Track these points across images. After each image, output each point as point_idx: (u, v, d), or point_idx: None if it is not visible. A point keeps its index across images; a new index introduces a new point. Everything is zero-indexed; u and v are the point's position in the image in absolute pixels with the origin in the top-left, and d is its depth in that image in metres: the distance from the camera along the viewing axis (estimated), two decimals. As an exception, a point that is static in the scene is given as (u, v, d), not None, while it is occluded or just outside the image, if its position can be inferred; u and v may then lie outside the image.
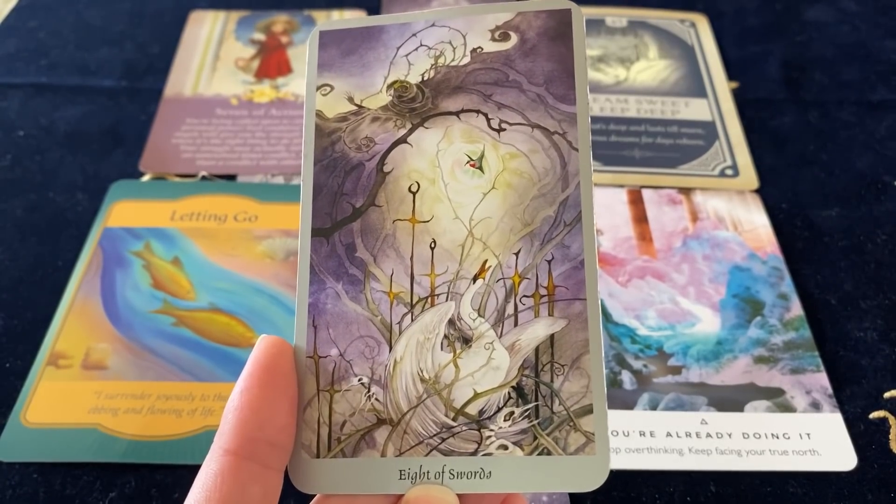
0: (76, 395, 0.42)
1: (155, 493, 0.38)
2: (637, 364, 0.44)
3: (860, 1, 0.70)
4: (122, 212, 0.51)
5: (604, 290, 0.48)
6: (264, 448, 0.23)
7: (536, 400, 0.24)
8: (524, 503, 0.26)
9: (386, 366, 0.25)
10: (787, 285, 0.48)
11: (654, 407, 0.42)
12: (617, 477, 0.39)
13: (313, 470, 0.24)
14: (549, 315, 0.25)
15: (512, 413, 0.24)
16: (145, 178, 0.54)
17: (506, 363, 0.25)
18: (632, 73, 0.63)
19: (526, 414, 0.24)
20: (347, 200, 0.26)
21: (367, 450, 0.24)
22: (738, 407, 0.42)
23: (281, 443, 0.24)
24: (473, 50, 0.27)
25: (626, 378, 0.43)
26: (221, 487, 0.22)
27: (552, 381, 0.24)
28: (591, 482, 0.24)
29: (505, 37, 0.27)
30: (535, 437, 0.24)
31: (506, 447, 0.24)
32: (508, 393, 0.25)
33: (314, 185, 0.27)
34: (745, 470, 0.40)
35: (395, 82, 0.27)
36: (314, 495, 0.25)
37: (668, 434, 0.41)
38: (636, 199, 0.53)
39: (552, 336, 0.25)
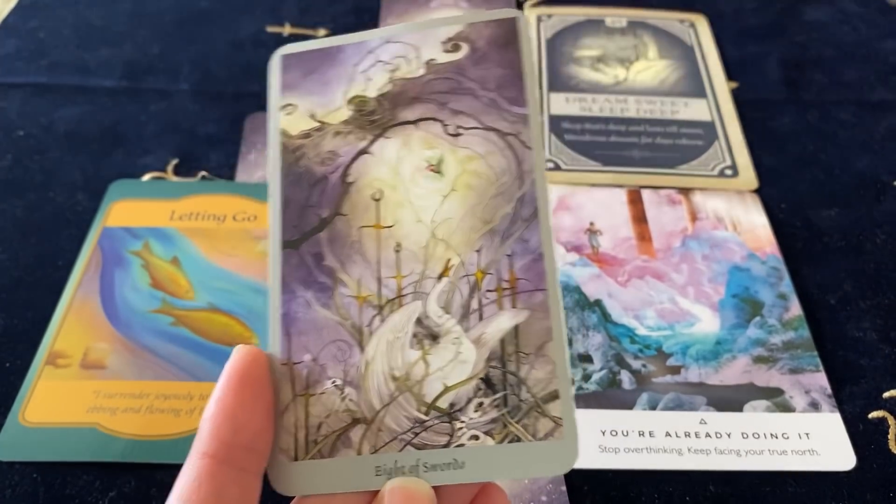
0: (75, 394, 0.42)
1: (155, 493, 0.38)
2: (636, 364, 0.44)
3: (860, 1, 0.70)
4: (121, 211, 0.51)
5: (603, 290, 0.48)
6: (241, 452, 0.24)
7: (504, 389, 0.25)
8: (502, 494, 0.26)
9: (358, 367, 0.26)
10: (787, 285, 0.48)
11: (653, 407, 0.42)
12: (616, 477, 0.39)
13: (292, 473, 0.25)
14: (513, 307, 0.26)
15: (482, 404, 0.25)
16: (145, 177, 0.54)
17: (473, 356, 0.26)
18: (631, 73, 0.63)
19: (495, 403, 0.25)
20: (314, 212, 0.28)
21: (343, 449, 0.25)
22: (738, 407, 0.42)
23: (257, 447, 0.24)
24: (427, 62, 0.28)
25: (626, 378, 0.43)
26: (199, 490, 0.22)
27: (518, 370, 0.25)
28: (562, 466, 0.24)
29: (456, 47, 0.29)
30: (505, 426, 0.25)
31: (477, 437, 0.25)
32: (477, 385, 0.25)
33: (282, 201, 0.28)
34: (744, 470, 0.40)
35: (354, 97, 0.29)
36: (294, 497, 0.25)
37: (667, 434, 0.41)
38: (635, 199, 0.53)
39: (516, 327, 0.26)
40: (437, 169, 0.27)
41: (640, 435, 0.41)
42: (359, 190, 0.28)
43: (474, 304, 0.26)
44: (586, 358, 0.44)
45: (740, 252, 0.50)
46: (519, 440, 0.25)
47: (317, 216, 0.27)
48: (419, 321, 0.26)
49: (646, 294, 0.48)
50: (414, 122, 0.28)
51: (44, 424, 0.40)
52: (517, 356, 0.25)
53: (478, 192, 0.27)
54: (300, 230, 0.27)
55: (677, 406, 0.42)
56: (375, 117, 0.28)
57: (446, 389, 0.25)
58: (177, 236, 0.50)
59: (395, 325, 0.26)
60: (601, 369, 0.43)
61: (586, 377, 0.43)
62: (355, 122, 0.28)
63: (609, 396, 0.42)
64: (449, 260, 0.26)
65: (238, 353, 0.25)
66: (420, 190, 0.27)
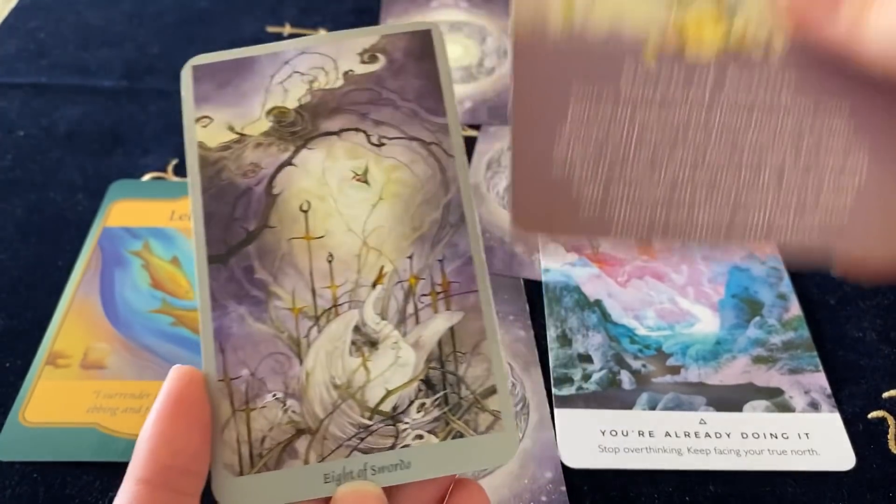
0: (75, 394, 0.42)
1: (154, 493, 0.38)
2: (636, 364, 0.44)
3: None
4: (121, 211, 0.51)
5: (603, 290, 0.48)
6: (178, 476, 0.24)
7: (445, 388, 0.26)
8: (478, 489, 0.27)
9: (298, 378, 0.26)
10: (786, 285, 0.48)
11: (652, 407, 0.42)
12: (616, 477, 0.39)
13: (238, 488, 0.25)
14: (447, 309, 0.27)
15: (423, 404, 0.26)
16: (145, 177, 0.54)
17: (412, 359, 0.26)
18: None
19: (436, 403, 0.26)
20: (240, 225, 0.27)
21: (289, 460, 0.26)
22: (737, 407, 0.42)
23: (195, 470, 0.24)
24: (345, 73, 0.29)
25: (625, 378, 0.43)
26: None
27: (457, 369, 0.26)
28: (504, 457, 0.26)
29: (373, 59, 0.29)
30: (448, 423, 0.26)
31: (421, 436, 0.26)
32: (418, 386, 0.26)
33: (205, 214, 0.28)
34: (743, 470, 0.40)
35: (273, 108, 0.28)
36: None
37: (667, 434, 0.41)
38: (635, 200, 0.53)
39: (452, 328, 0.27)
40: (363, 179, 0.28)
41: (639, 435, 0.41)
42: (286, 201, 0.28)
43: (410, 309, 0.27)
44: (586, 358, 0.44)
45: (740, 252, 0.50)
46: (462, 436, 0.26)
47: (243, 229, 0.27)
48: (357, 329, 0.27)
49: (645, 294, 0.48)
50: (337, 133, 0.28)
51: (44, 424, 0.40)
52: (455, 356, 0.26)
53: (405, 200, 0.28)
54: (227, 244, 0.27)
55: (677, 406, 0.42)
56: (296, 128, 0.28)
57: (388, 393, 0.26)
58: (177, 236, 0.50)
59: (332, 334, 0.27)
60: (601, 369, 0.44)
61: (586, 377, 0.43)
62: (276, 134, 0.28)
63: (609, 396, 0.42)
64: (382, 267, 0.27)
65: (174, 374, 0.25)
66: (348, 200, 0.28)
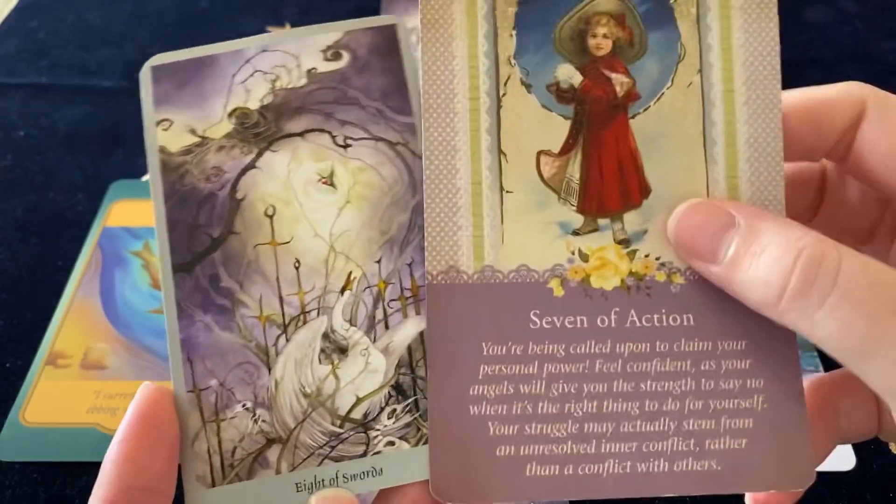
0: (75, 394, 0.42)
1: (154, 493, 0.38)
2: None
3: (860, 1, 0.70)
4: (121, 211, 0.51)
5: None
6: (143, 495, 0.24)
7: (415, 394, 0.26)
8: None
9: (268, 388, 0.26)
10: (787, 285, 0.48)
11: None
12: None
13: (211, 499, 0.25)
14: (417, 314, 0.26)
15: (395, 410, 0.26)
16: (145, 177, 0.54)
17: (382, 365, 0.26)
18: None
19: (407, 409, 0.26)
20: (204, 232, 0.27)
21: (261, 470, 0.25)
22: (737, 407, 0.42)
23: (160, 489, 0.24)
24: (309, 71, 0.28)
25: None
26: None
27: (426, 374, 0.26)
28: None
29: (337, 56, 0.28)
30: (419, 429, 0.25)
31: (393, 443, 0.25)
32: (389, 392, 0.26)
33: (168, 222, 0.27)
34: (743, 470, 0.39)
35: (235, 109, 0.27)
36: None
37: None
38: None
39: (422, 333, 0.26)
40: (329, 181, 0.27)
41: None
42: (250, 206, 0.27)
43: (379, 315, 0.26)
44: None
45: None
46: None
47: (208, 236, 0.27)
48: (326, 336, 0.26)
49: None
50: (301, 134, 0.27)
51: (44, 424, 0.40)
52: (425, 361, 0.26)
53: (372, 203, 0.27)
54: (191, 251, 0.27)
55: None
56: (259, 130, 0.27)
57: (359, 400, 0.26)
58: (177, 236, 0.50)
59: (301, 342, 0.26)
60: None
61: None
62: (239, 136, 0.27)
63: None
64: (350, 273, 0.26)
65: (141, 393, 0.25)
66: (314, 204, 0.27)
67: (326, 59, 0.28)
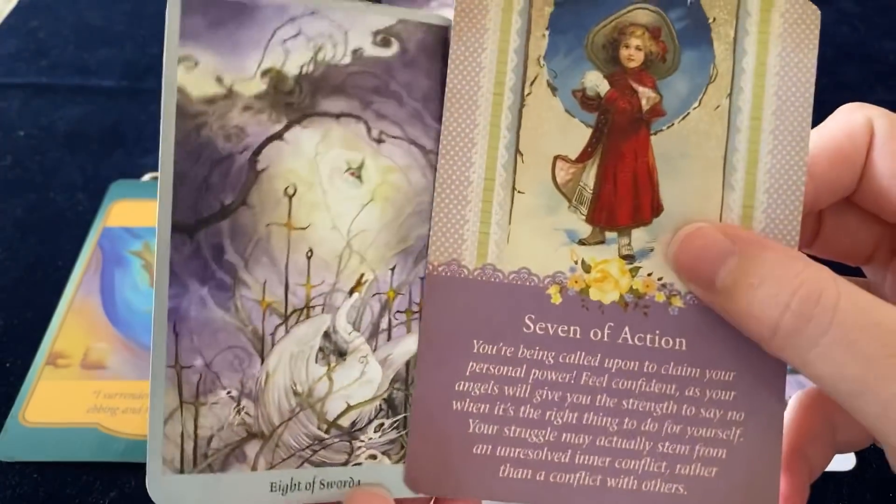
0: (75, 394, 0.42)
1: (154, 493, 0.38)
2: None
3: (859, 1, 0.70)
4: (121, 211, 0.51)
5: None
6: None
7: (406, 411, 0.25)
8: None
9: (257, 379, 0.24)
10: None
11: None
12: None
13: (177, 486, 0.24)
14: None
15: (382, 424, 0.25)
16: (145, 177, 0.54)
17: (378, 377, 0.25)
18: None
19: (395, 425, 0.25)
20: (215, 195, 0.24)
21: (236, 464, 0.24)
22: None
23: None
24: (355, 51, 0.26)
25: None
26: None
27: None
28: None
29: (386, 42, 0.26)
30: (403, 447, 0.25)
31: (375, 457, 0.25)
32: (380, 405, 0.25)
33: (175, 174, 0.24)
34: (743, 470, 0.40)
35: (270, 70, 0.25)
36: None
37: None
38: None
39: None
40: (357, 174, 0.25)
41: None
42: (269, 180, 0.25)
43: (384, 324, 0.25)
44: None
45: None
46: None
47: (218, 201, 0.24)
48: (327, 335, 0.25)
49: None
50: (336, 117, 0.25)
51: (44, 424, 0.40)
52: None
53: (396, 207, 0.26)
54: (196, 213, 0.24)
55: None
56: (293, 100, 0.25)
57: (349, 408, 0.25)
58: (177, 236, 0.50)
59: (300, 336, 0.25)
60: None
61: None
62: (269, 100, 0.25)
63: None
64: (363, 275, 0.25)
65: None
66: (338, 194, 0.25)
67: (375, 44, 0.26)
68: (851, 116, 0.26)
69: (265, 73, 0.25)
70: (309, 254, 0.25)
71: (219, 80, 0.24)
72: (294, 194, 0.25)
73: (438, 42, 0.26)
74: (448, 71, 0.25)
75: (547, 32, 0.26)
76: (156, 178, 0.53)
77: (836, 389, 0.22)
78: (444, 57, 0.26)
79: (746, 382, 0.25)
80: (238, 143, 0.25)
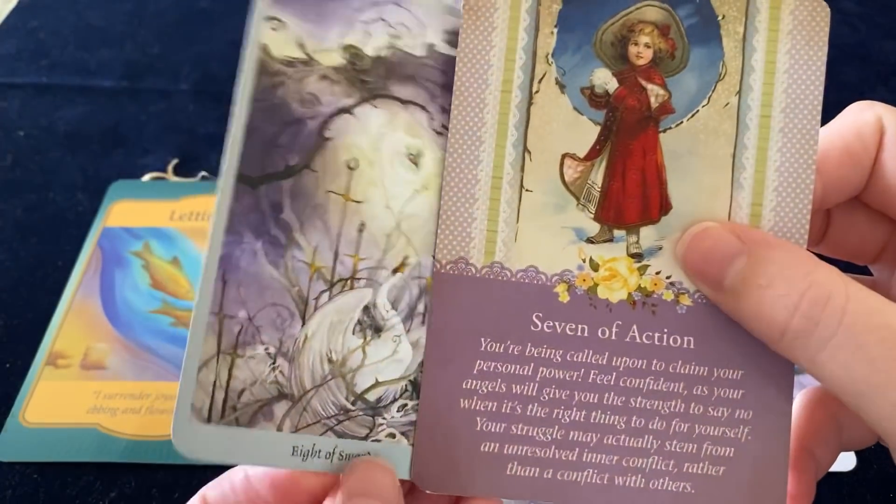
0: (75, 394, 0.42)
1: (155, 493, 0.38)
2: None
3: (860, 1, 0.70)
4: (121, 212, 0.51)
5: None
6: None
7: None
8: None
9: (296, 340, 0.25)
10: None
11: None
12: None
13: (202, 436, 0.24)
14: None
15: (405, 405, 0.25)
16: (145, 177, 0.54)
17: (408, 358, 0.25)
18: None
19: (416, 408, 0.25)
20: (281, 155, 0.25)
21: (263, 421, 0.24)
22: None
23: None
24: (429, 45, 0.27)
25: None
26: None
27: None
28: None
29: (455, 44, 0.27)
30: None
31: (394, 436, 0.25)
32: (405, 385, 0.25)
33: (246, 126, 0.25)
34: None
35: (350, 46, 0.26)
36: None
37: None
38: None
39: None
40: (415, 160, 0.26)
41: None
42: (335, 149, 0.26)
43: (420, 308, 0.26)
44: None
45: None
46: None
47: (283, 161, 0.25)
48: (367, 309, 0.25)
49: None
50: (403, 102, 0.26)
51: (44, 425, 0.40)
52: None
53: None
54: (261, 168, 0.25)
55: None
56: (368, 78, 0.26)
57: (377, 384, 0.25)
58: (177, 236, 0.50)
59: (342, 306, 0.25)
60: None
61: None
62: (346, 74, 0.26)
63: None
64: (407, 256, 0.26)
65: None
66: (395, 176, 0.26)
67: (446, 42, 0.27)
68: (861, 115, 0.26)
69: (346, 48, 0.26)
70: (361, 227, 0.26)
71: (301, 45, 0.26)
72: (356, 168, 0.26)
73: None
74: (456, 68, 0.25)
75: (555, 30, 0.25)
76: (156, 179, 0.53)
77: (844, 391, 0.22)
78: None
79: (754, 381, 0.25)
80: (311, 109, 0.26)
